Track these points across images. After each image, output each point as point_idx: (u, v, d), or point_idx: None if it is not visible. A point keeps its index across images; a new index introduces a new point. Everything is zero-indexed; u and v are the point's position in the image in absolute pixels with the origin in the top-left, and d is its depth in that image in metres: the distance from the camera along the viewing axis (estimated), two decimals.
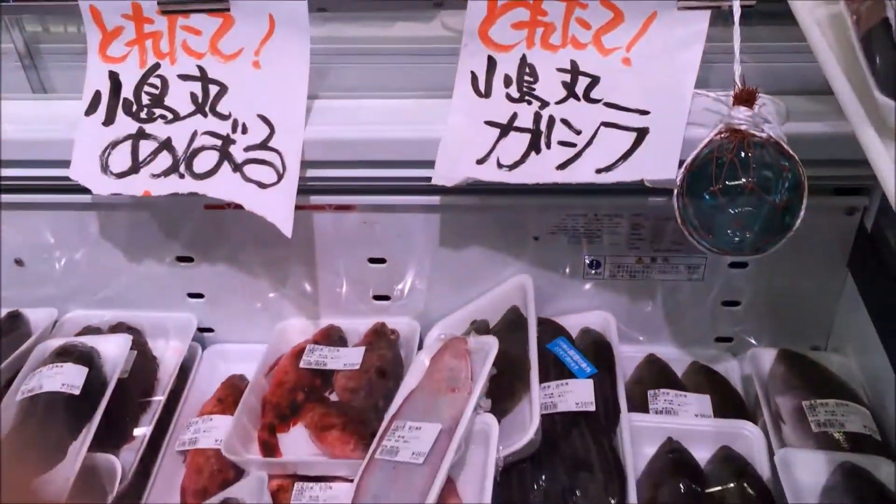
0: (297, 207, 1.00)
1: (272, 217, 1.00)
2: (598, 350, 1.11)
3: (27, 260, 1.21)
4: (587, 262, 1.14)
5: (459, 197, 1.08)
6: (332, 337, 1.20)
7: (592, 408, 1.01)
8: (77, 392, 1.04)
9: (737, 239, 0.91)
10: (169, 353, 1.22)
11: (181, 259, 1.19)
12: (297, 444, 1.06)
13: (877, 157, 0.71)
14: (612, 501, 0.91)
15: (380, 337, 1.18)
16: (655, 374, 1.13)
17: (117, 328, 1.21)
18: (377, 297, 1.22)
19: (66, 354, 1.09)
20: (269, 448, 1.05)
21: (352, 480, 0.93)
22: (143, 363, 1.18)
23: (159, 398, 1.14)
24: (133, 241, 1.18)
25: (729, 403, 1.08)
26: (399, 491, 0.88)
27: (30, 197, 1.14)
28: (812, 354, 1.10)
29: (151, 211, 1.14)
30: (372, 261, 1.18)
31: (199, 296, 1.24)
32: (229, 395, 1.14)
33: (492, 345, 1.00)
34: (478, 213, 1.10)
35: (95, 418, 1.02)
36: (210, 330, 1.27)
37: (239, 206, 1.01)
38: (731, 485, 0.95)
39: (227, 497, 0.94)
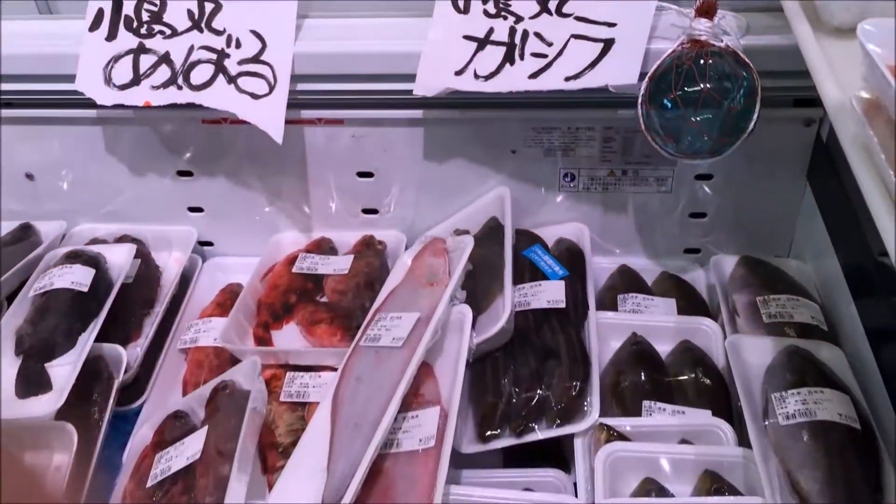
0: (290, 122, 1.07)
1: (264, 126, 1.07)
2: (571, 257, 1.18)
3: (37, 174, 1.29)
4: (562, 174, 1.21)
5: (441, 111, 1.15)
6: (324, 248, 1.27)
7: (563, 305, 1.08)
8: (85, 290, 1.12)
9: (697, 143, 0.98)
10: (171, 264, 1.30)
11: (182, 173, 1.27)
12: (290, 339, 1.15)
13: (809, 51, 0.78)
14: (577, 384, 0.99)
15: (368, 247, 1.26)
16: (626, 282, 1.20)
17: (122, 240, 1.29)
18: (366, 211, 1.29)
19: (74, 257, 1.17)
20: (263, 342, 1.14)
21: (337, 369, 1.01)
22: (147, 271, 1.26)
23: (162, 303, 1.22)
24: (137, 156, 1.25)
25: (693, 306, 1.16)
26: (380, 372, 0.96)
27: (40, 112, 1.21)
28: (773, 260, 1.17)
29: (153, 126, 1.22)
30: (360, 175, 1.25)
31: (199, 210, 1.31)
32: (228, 300, 1.23)
33: (467, 243, 1.07)
34: (458, 127, 1.17)
35: (102, 314, 1.11)
36: (210, 244, 1.35)
37: (235, 121, 1.08)
38: (689, 373, 1.03)
39: (223, 380, 1.03)
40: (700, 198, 1.21)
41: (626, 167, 1.19)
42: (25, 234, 1.29)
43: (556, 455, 1.00)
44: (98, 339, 1.08)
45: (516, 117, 1.16)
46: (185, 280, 1.28)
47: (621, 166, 1.19)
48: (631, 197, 1.22)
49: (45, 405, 1.00)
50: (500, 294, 1.09)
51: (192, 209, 1.31)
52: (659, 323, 1.11)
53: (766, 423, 0.89)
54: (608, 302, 1.16)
